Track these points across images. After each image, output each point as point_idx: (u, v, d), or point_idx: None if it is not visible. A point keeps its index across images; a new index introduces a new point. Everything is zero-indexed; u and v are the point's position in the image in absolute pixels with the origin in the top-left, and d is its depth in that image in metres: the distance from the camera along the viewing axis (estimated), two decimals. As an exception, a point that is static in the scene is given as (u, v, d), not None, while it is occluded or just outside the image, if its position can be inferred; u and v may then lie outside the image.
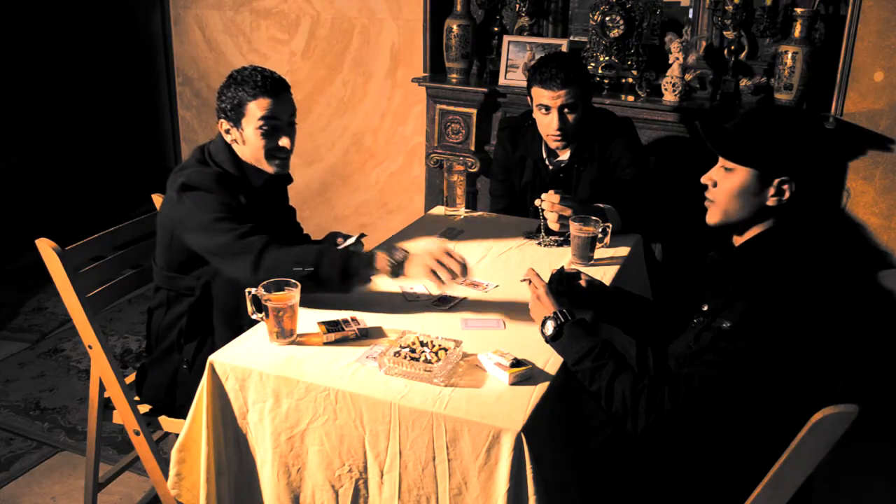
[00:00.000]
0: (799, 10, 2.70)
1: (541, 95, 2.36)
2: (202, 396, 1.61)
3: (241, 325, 1.89)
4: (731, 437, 1.47)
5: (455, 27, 3.16)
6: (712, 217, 1.55)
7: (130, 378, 2.10)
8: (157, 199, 2.25)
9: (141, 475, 2.37)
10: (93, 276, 2.01)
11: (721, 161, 1.52)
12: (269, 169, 1.97)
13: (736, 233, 1.56)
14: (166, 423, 2.02)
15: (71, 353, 3.25)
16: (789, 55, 2.71)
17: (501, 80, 3.20)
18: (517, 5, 3.15)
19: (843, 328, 1.45)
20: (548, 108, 2.36)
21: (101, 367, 1.95)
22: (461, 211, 2.50)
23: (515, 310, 1.82)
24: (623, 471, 1.65)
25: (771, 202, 1.47)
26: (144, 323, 2.12)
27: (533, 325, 1.69)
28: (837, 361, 1.43)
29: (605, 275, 2.05)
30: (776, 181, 1.45)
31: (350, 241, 2.14)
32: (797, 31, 2.72)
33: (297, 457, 1.58)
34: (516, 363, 1.52)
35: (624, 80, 3.04)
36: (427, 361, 1.52)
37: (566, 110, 2.36)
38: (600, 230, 2.12)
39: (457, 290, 1.93)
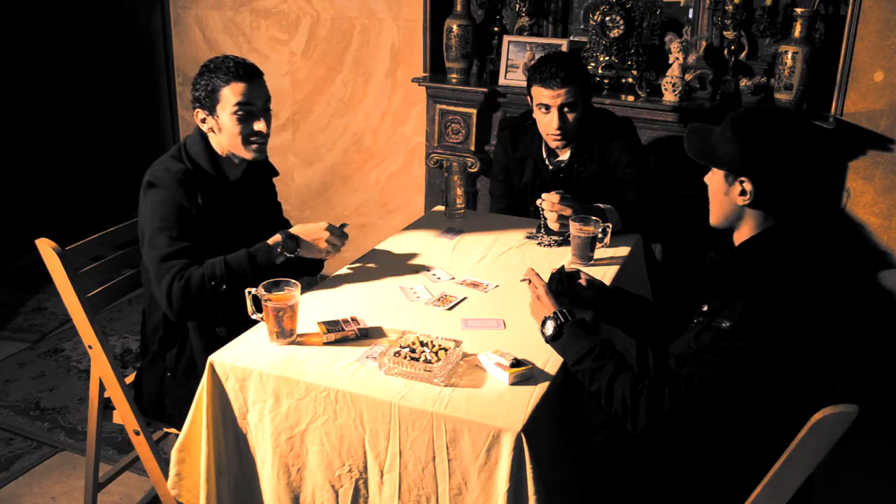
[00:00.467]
0: (799, 10, 2.70)
1: (541, 95, 2.36)
2: (202, 396, 1.61)
3: (214, 330, 1.89)
4: (730, 437, 1.47)
5: (455, 27, 3.16)
6: (711, 219, 1.59)
7: (130, 378, 2.10)
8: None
9: (141, 475, 2.37)
10: (93, 276, 2.01)
11: None
12: (246, 155, 1.97)
13: (733, 233, 1.56)
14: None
15: (71, 353, 3.25)
16: (789, 55, 2.71)
17: (501, 80, 3.20)
18: (517, 5, 3.15)
19: (843, 328, 1.45)
20: (548, 108, 2.36)
21: (101, 367, 1.95)
22: (461, 211, 2.50)
23: (515, 310, 1.82)
24: (623, 471, 1.65)
25: (740, 201, 1.49)
26: (141, 324, 2.12)
27: (533, 325, 1.69)
28: (837, 361, 1.44)
29: (605, 275, 2.05)
30: (738, 180, 1.47)
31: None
32: (797, 31, 2.72)
33: (297, 457, 1.58)
34: (516, 363, 1.52)
35: (624, 80, 3.04)
36: (427, 361, 1.52)
37: (566, 109, 2.36)
38: (600, 230, 2.12)
39: (457, 290, 1.93)
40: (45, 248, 1.85)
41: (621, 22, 2.93)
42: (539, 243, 2.27)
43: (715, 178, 1.54)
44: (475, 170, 3.28)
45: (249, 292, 1.68)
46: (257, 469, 1.63)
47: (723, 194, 1.52)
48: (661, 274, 2.58)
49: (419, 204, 3.68)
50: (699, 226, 1.67)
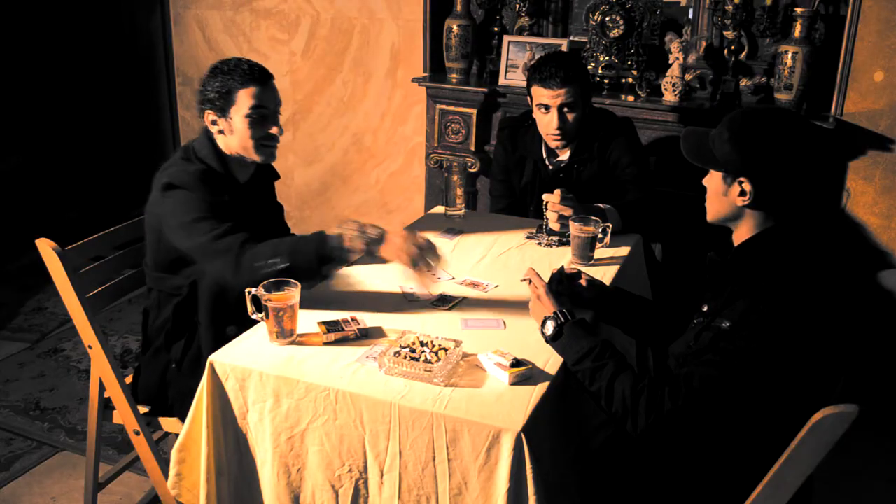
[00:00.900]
0: (799, 10, 2.70)
1: (540, 95, 2.36)
2: (202, 396, 1.61)
3: (225, 324, 1.89)
4: (730, 437, 1.47)
5: (455, 27, 3.16)
6: (707, 216, 1.59)
7: (130, 378, 2.10)
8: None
9: (141, 475, 2.37)
10: (93, 276, 2.01)
11: None
12: (256, 158, 1.97)
13: (732, 233, 1.57)
14: (166, 423, 2.02)
15: (71, 353, 3.25)
16: (789, 55, 2.71)
17: (501, 80, 3.20)
18: (517, 5, 3.15)
19: (843, 328, 1.45)
20: (547, 108, 2.36)
21: (101, 367, 1.95)
22: (461, 211, 2.50)
23: (515, 310, 1.82)
24: (623, 471, 1.65)
25: (739, 201, 1.49)
26: (142, 323, 2.12)
27: (533, 325, 1.69)
28: (837, 361, 1.44)
29: (605, 275, 2.05)
30: (737, 181, 1.48)
31: None
32: (797, 31, 2.72)
33: (297, 457, 1.58)
34: (516, 363, 1.52)
35: (624, 80, 3.04)
36: (427, 361, 1.52)
37: (566, 109, 2.36)
38: (600, 230, 2.12)
39: (456, 290, 1.93)
40: (45, 248, 1.85)
41: (621, 22, 2.93)
42: (539, 243, 2.27)
43: (713, 180, 1.54)
44: (475, 170, 3.28)
45: (249, 292, 1.68)
46: (257, 469, 1.63)
47: (722, 195, 1.52)
48: (661, 274, 2.58)
49: (419, 204, 3.68)
50: (699, 226, 1.67)
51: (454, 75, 3.24)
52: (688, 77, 2.90)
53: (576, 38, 3.17)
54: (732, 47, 2.91)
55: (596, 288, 1.84)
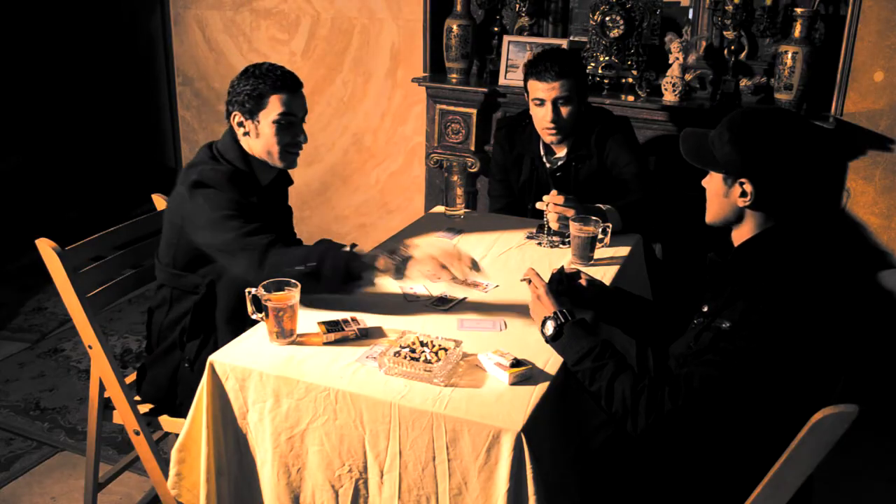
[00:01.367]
0: (799, 10, 2.70)
1: (536, 88, 2.38)
2: (202, 396, 1.61)
3: (243, 325, 1.89)
4: (731, 437, 1.47)
5: (455, 27, 3.16)
6: (706, 217, 1.59)
7: (130, 378, 2.10)
8: (157, 199, 2.25)
9: (141, 475, 2.37)
10: (93, 276, 2.01)
11: None
12: (279, 164, 1.98)
13: (731, 233, 1.56)
14: (166, 423, 2.02)
15: (71, 353, 3.25)
16: (789, 55, 2.71)
17: (501, 80, 3.20)
18: (517, 5, 3.15)
19: (843, 328, 1.45)
20: (542, 101, 2.37)
21: (101, 367, 1.95)
22: (461, 211, 2.50)
23: (515, 310, 1.82)
24: (623, 471, 1.65)
25: (740, 202, 1.49)
26: (144, 323, 2.12)
27: (533, 325, 1.69)
28: (837, 361, 1.43)
29: (605, 275, 2.05)
30: (738, 182, 1.47)
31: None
32: (797, 31, 2.72)
33: (297, 457, 1.58)
34: (516, 363, 1.52)
35: (624, 80, 3.04)
36: (427, 361, 1.52)
37: (560, 103, 2.37)
38: (600, 230, 2.12)
39: (456, 290, 1.93)
40: (45, 248, 1.85)
41: (621, 22, 2.93)
42: (539, 244, 2.27)
43: (713, 181, 1.54)
44: (475, 170, 3.28)
45: (249, 292, 1.68)
46: (257, 469, 1.63)
47: (722, 196, 1.52)
48: (661, 274, 2.58)
49: (419, 204, 3.68)
50: (699, 226, 1.67)
51: (454, 75, 3.24)
52: (688, 77, 2.90)
53: (576, 38, 3.17)
54: (732, 47, 2.91)
55: (596, 288, 1.84)
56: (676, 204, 2.77)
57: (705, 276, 1.60)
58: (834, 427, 1.25)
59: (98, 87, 4.42)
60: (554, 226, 2.23)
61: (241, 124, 1.96)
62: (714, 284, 1.55)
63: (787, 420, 1.36)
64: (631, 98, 2.97)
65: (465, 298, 1.90)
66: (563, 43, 3.07)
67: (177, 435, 1.71)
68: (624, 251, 2.22)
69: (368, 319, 1.75)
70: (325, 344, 1.65)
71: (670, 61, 2.90)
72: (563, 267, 1.84)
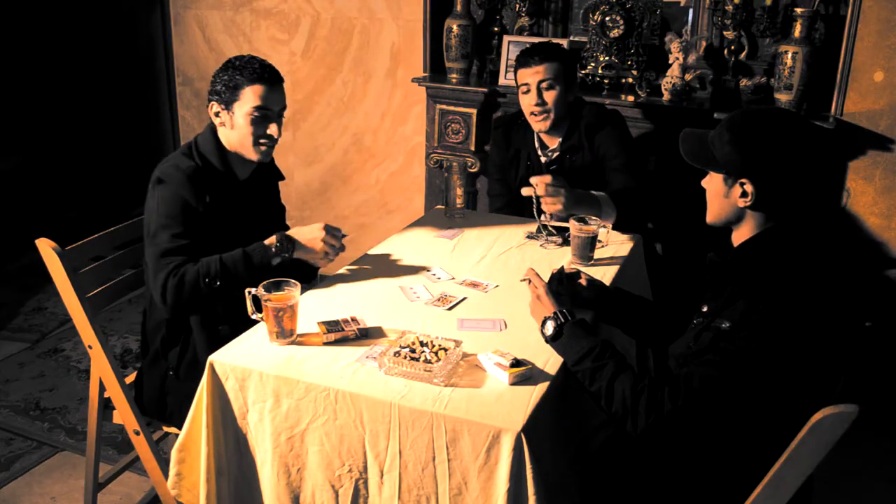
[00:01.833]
0: (799, 10, 2.70)
1: (522, 76, 2.43)
2: (202, 396, 1.61)
3: (217, 328, 1.90)
4: (730, 436, 1.47)
5: (455, 27, 3.16)
6: (707, 217, 1.59)
7: (130, 378, 2.10)
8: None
9: (141, 475, 2.37)
10: (93, 276, 2.01)
11: None
12: (252, 156, 1.98)
13: (732, 234, 1.56)
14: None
15: (71, 353, 3.25)
16: (789, 55, 2.71)
17: (501, 80, 3.20)
18: (517, 5, 3.15)
19: (843, 328, 1.45)
20: (528, 88, 2.41)
21: (101, 367, 1.95)
22: (461, 211, 2.50)
23: (515, 310, 1.82)
24: (623, 471, 1.65)
25: (741, 203, 1.48)
26: (141, 323, 2.12)
27: (533, 325, 1.69)
28: (837, 361, 1.43)
29: (605, 275, 2.05)
30: (738, 182, 1.47)
31: None
32: (797, 31, 2.72)
33: (297, 457, 1.58)
34: (516, 363, 1.52)
35: (624, 80, 3.04)
36: (427, 361, 1.52)
37: (544, 87, 2.40)
38: (600, 230, 2.12)
39: (457, 290, 1.93)
40: (45, 248, 1.85)
41: (621, 22, 2.93)
42: (541, 245, 2.26)
43: (713, 181, 1.54)
44: (475, 170, 3.28)
45: (249, 292, 1.68)
46: (257, 469, 1.63)
47: (723, 196, 1.52)
48: (661, 274, 2.58)
49: (419, 204, 3.68)
50: (699, 225, 1.67)
51: (454, 75, 3.24)
52: (688, 77, 2.90)
53: (576, 38, 3.17)
54: (732, 47, 2.91)
55: (596, 288, 1.84)
56: (676, 203, 2.77)
57: (705, 276, 1.60)
58: (834, 427, 1.25)
59: (98, 86, 4.42)
60: (547, 209, 2.21)
61: (217, 114, 1.96)
62: (714, 284, 1.55)
63: (787, 420, 1.36)
64: (631, 98, 2.97)
65: (465, 298, 1.90)
66: (564, 43, 3.07)
67: (177, 435, 1.71)
68: (624, 251, 2.22)
69: (368, 319, 1.75)
70: (325, 344, 1.65)
71: (670, 61, 2.90)
72: (563, 267, 1.84)
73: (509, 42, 3.18)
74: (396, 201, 3.88)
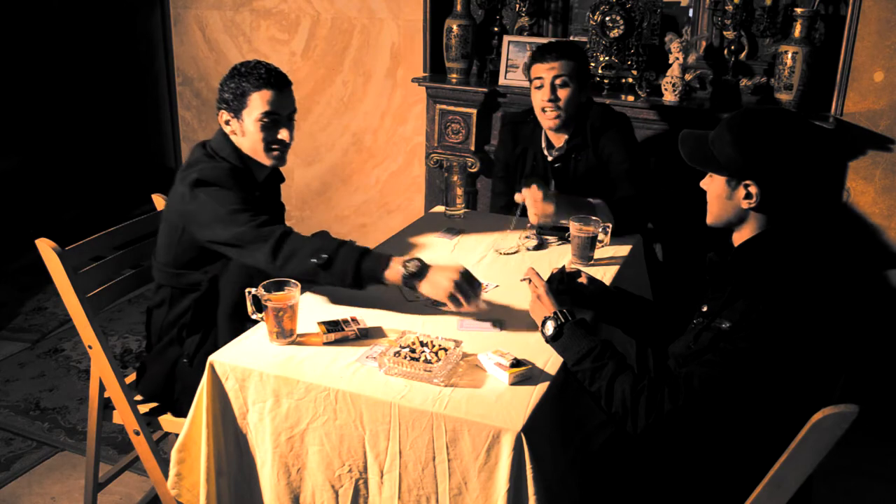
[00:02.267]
0: (799, 10, 2.70)
1: (536, 70, 2.41)
2: (202, 396, 1.61)
3: (244, 322, 1.89)
4: (731, 437, 1.47)
5: (455, 27, 3.16)
6: (707, 218, 1.58)
7: (130, 378, 2.10)
8: (157, 199, 2.25)
9: (141, 475, 2.37)
10: (93, 276, 2.01)
11: None
12: (266, 161, 1.98)
13: (732, 234, 1.56)
14: (166, 423, 2.02)
15: (71, 353, 3.25)
16: (789, 55, 2.71)
17: (501, 80, 3.20)
18: (517, 5, 3.15)
19: (843, 328, 1.45)
20: (541, 82, 2.39)
21: (101, 367, 1.95)
22: (461, 211, 2.50)
23: (515, 310, 1.82)
24: (623, 471, 1.65)
25: (745, 204, 1.48)
26: (144, 323, 2.12)
27: (533, 325, 1.69)
28: (837, 361, 1.43)
29: (605, 275, 2.05)
30: (743, 184, 1.47)
31: None
32: (797, 31, 2.72)
33: (297, 457, 1.58)
34: (516, 363, 1.52)
35: (624, 80, 3.04)
36: (427, 361, 1.52)
37: (559, 84, 2.38)
38: (600, 230, 2.12)
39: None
40: (45, 248, 1.85)
41: (621, 22, 2.93)
42: (510, 252, 2.22)
43: (715, 183, 1.53)
44: (475, 170, 3.28)
45: (249, 292, 1.68)
46: (257, 469, 1.63)
47: (725, 198, 1.51)
48: (661, 274, 2.58)
49: (419, 204, 3.68)
50: (699, 226, 1.67)
51: (454, 75, 3.24)
52: (688, 77, 2.90)
53: (576, 38, 3.17)
54: (732, 47, 2.91)
55: (596, 287, 1.84)
56: (676, 204, 2.77)
57: (705, 276, 1.60)
58: (834, 427, 1.25)
59: (98, 86, 4.42)
60: (533, 218, 2.22)
61: (227, 122, 1.97)
62: (714, 284, 1.55)
63: (787, 420, 1.36)
64: (631, 98, 2.97)
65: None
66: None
67: (177, 435, 1.71)
68: (624, 251, 2.22)
69: (368, 319, 1.75)
70: (325, 344, 1.65)
71: (670, 61, 2.90)
72: (563, 267, 1.84)
73: (509, 42, 3.18)
74: (396, 201, 3.88)
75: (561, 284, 1.79)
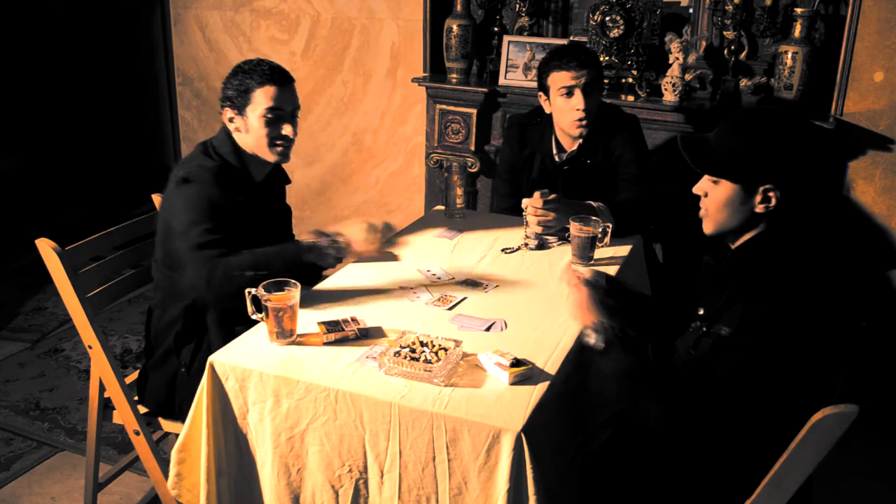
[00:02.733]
0: (799, 10, 2.70)
1: (563, 78, 2.34)
2: (202, 397, 1.61)
3: (234, 326, 1.89)
4: (732, 437, 1.46)
5: (455, 27, 3.16)
6: (707, 227, 1.55)
7: (130, 378, 2.10)
8: (157, 200, 2.25)
9: (141, 475, 2.37)
10: (93, 276, 2.01)
11: None
12: (270, 157, 1.99)
13: (731, 239, 1.55)
14: (166, 423, 2.02)
15: (71, 353, 3.25)
16: (789, 55, 2.71)
17: (501, 80, 3.20)
18: (517, 5, 3.15)
19: (843, 328, 1.45)
20: (570, 91, 2.34)
21: (101, 367, 1.95)
22: (461, 211, 2.50)
23: (515, 310, 1.82)
24: (623, 471, 1.65)
25: (759, 209, 1.46)
26: (144, 322, 2.12)
27: (533, 324, 1.69)
28: (837, 361, 1.43)
29: (605, 275, 2.05)
30: (761, 189, 1.45)
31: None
32: (797, 31, 2.72)
33: (297, 457, 1.58)
34: (516, 363, 1.52)
35: (624, 80, 3.04)
36: (427, 361, 1.52)
37: (588, 90, 2.35)
38: (600, 230, 2.12)
39: (457, 290, 1.93)
40: (45, 248, 1.85)
41: (621, 22, 2.93)
42: (510, 250, 2.22)
43: (722, 190, 1.49)
44: (475, 170, 3.28)
45: (249, 292, 1.68)
46: (257, 469, 1.63)
47: (737, 205, 1.47)
48: (661, 274, 2.57)
49: (419, 204, 3.68)
50: (699, 226, 1.66)
51: (454, 75, 3.24)
52: (688, 77, 2.90)
53: (576, 38, 3.16)
54: (732, 47, 2.90)
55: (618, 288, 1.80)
56: (676, 204, 2.76)
57: (701, 279, 1.59)
58: (834, 427, 1.25)
59: (98, 86, 4.42)
60: (536, 229, 2.22)
61: (231, 120, 1.97)
62: (710, 287, 1.54)
63: (787, 420, 1.36)
64: (631, 98, 2.97)
65: (465, 298, 1.90)
66: (564, 43, 3.07)
67: (177, 435, 1.71)
68: (624, 251, 2.22)
69: (368, 319, 1.75)
70: (325, 344, 1.65)
71: (670, 61, 2.90)
72: (605, 274, 1.75)
73: (509, 42, 3.18)
74: (396, 201, 3.88)
75: (600, 288, 1.69)
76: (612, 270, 2.09)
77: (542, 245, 2.25)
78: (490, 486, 1.41)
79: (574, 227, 2.08)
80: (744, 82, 2.92)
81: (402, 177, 3.83)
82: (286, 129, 1.97)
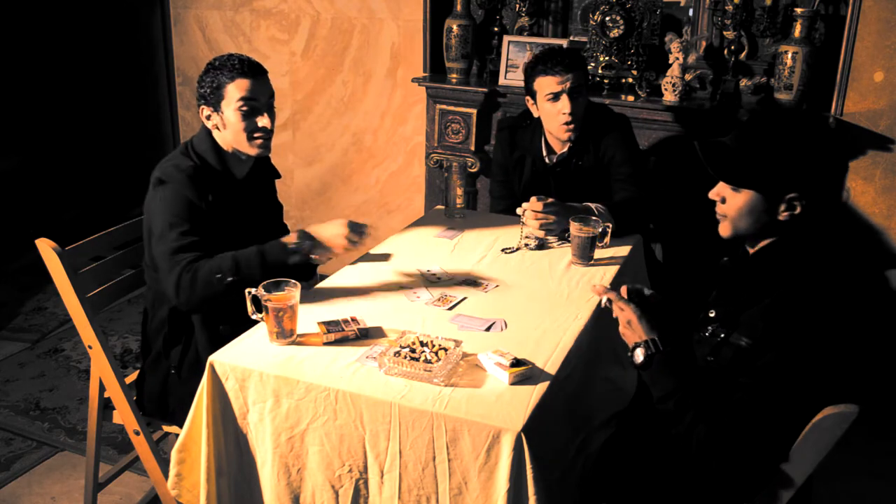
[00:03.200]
0: (799, 10, 2.70)
1: (549, 84, 2.36)
2: (202, 396, 1.61)
3: (218, 327, 1.89)
4: (743, 441, 1.46)
5: (455, 27, 3.16)
6: (724, 231, 1.54)
7: (130, 378, 2.10)
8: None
9: (141, 475, 2.37)
10: (93, 276, 2.01)
11: None
12: (250, 151, 1.98)
13: (750, 243, 1.54)
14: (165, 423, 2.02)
15: (71, 353, 3.25)
16: (789, 55, 2.71)
17: (501, 80, 3.20)
18: (517, 5, 3.15)
19: (859, 331, 1.44)
20: (556, 96, 2.36)
21: (101, 367, 1.95)
22: (461, 211, 2.50)
23: (515, 310, 1.82)
24: (623, 471, 1.65)
25: (783, 216, 1.45)
26: (141, 323, 2.12)
27: (533, 324, 1.69)
28: (849, 363, 1.42)
29: (605, 275, 2.05)
30: (786, 198, 1.44)
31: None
32: (797, 31, 2.72)
33: (297, 457, 1.58)
34: (516, 363, 1.52)
35: (624, 80, 3.03)
36: (427, 361, 1.52)
37: (574, 94, 2.36)
38: (600, 230, 2.12)
39: (457, 290, 1.93)
40: (45, 248, 1.85)
41: (621, 22, 2.93)
42: (510, 250, 2.22)
43: (744, 197, 1.47)
44: (475, 170, 3.28)
45: (249, 292, 1.68)
46: (257, 469, 1.63)
47: (760, 213, 1.46)
48: (660, 274, 2.57)
49: (419, 204, 3.68)
50: (699, 227, 1.66)
51: (454, 75, 3.24)
52: (688, 77, 2.90)
53: (576, 38, 3.17)
54: (732, 47, 2.90)
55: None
56: (676, 204, 2.77)
57: (716, 281, 1.57)
58: (834, 427, 1.25)
59: (98, 86, 4.42)
60: (538, 233, 2.22)
61: (209, 117, 1.97)
62: (725, 290, 1.53)
63: (789, 421, 1.36)
64: (631, 98, 2.97)
65: (465, 298, 1.90)
66: (564, 43, 3.07)
67: (177, 435, 1.71)
68: (624, 251, 2.22)
69: (368, 319, 1.75)
70: (325, 344, 1.65)
71: (670, 61, 2.90)
72: (641, 288, 1.68)
73: (509, 42, 3.18)
74: (396, 201, 3.88)
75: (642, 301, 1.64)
76: (612, 270, 2.09)
77: (541, 245, 2.25)
78: (490, 486, 1.41)
79: (574, 228, 2.08)
80: (744, 82, 2.92)
81: (402, 177, 3.83)
82: (263, 121, 1.95)
